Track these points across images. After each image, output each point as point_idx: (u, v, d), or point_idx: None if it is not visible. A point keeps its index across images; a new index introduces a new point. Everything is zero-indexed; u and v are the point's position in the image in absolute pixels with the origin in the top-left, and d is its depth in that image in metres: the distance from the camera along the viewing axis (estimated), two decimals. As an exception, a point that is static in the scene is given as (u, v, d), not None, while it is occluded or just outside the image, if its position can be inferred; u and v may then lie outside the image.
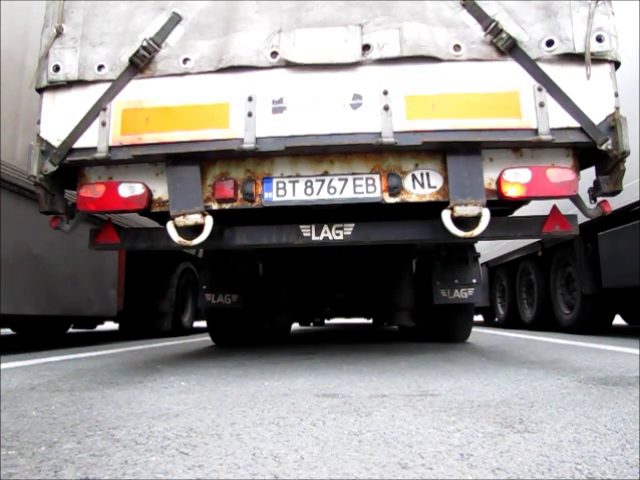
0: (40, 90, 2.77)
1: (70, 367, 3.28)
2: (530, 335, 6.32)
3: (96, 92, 2.70)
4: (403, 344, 4.99)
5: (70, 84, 2.72)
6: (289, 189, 2.65)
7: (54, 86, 2.73)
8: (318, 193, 2.64)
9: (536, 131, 2.49)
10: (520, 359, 3.47)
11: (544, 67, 2.54)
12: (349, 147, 2.59)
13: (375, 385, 2.34)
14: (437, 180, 2.63)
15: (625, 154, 2.47)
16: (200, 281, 4.74)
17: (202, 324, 6.44)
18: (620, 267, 5.09)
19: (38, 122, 2.75)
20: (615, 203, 3.20)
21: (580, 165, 2.66)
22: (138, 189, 2.68)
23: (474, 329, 5.70)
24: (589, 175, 2.75)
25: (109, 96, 2.68)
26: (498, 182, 2.57)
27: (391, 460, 1.20)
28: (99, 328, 9.87)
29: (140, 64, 2.67)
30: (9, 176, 3.91)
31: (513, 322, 8.52)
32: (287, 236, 2.82)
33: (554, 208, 2.80)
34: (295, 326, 10.70)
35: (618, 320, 7.42)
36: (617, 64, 2.56)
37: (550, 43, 2.54)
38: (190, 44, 2.68)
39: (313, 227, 2.80)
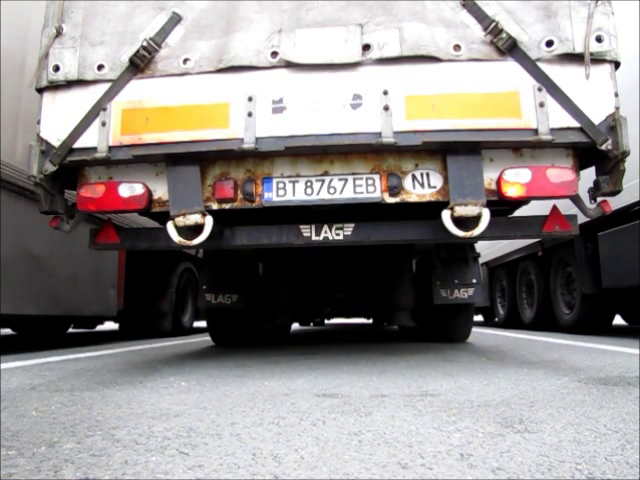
0: (40, 90, 2.77)
1: (70, 367, 3.28)
2: (530, 335, 6.32)
3: (96, 92, 2.69)
4: (403, 344, 4.99)
5: (70, 84, 2.72)
6: (289, 189, 2.65)
7: (54, 86, 2.73)
8: (318, 193, 2.64)
9: (536, 131, 2.49)
10: (520, 359, 3.47)
11: (544, 67, 2.54)
12: (349, 147, 2.59)
13: (375, 385, 2.34)
14: (437, 180, 2.63)
15: (625, 154, 2.47)
16: (200, 281, 4.74)
17: (202, 324, 6.44)
18: (620, 267, 5.09)
19: (38, 122, 2.75)
20: (615, 203, 3.20)
21: (580, 165, 2.66)
22: (138, 189, 2.68)
23: (474, 329, 5.70)
24: (589, 175, 2.75)
25: (109, 96, 2.68)
26: (498, 182, 2.57)
27: (391, 460, 1.20)
28: (99, 328, 9.87)
29: (140, 64, 2.67)
30: (9, 176, 3.91)
31: (513, 322, 8.52)
32: (287, 236, 2.82)
33: (554, 208, 2.80)
34: (295, 326, 10.70)
35: (618, 320, 7.42)
36: (617, 64, 2.56)
37: (550, 43, 2.54)
38: (190, 44, 2.68)
39: (313, 227, 2.80)
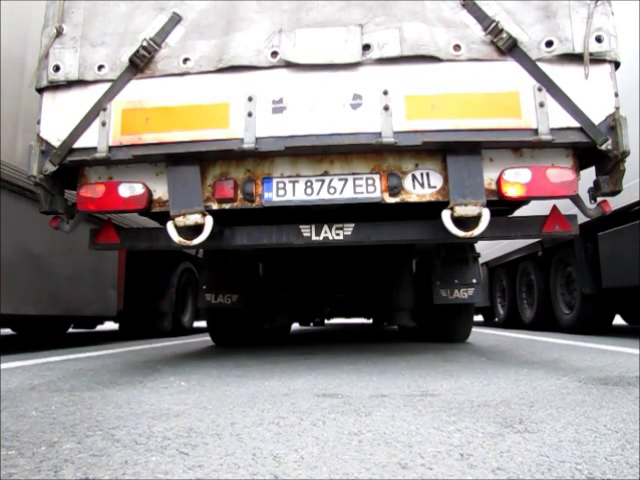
0: (40, 90, 2.77)
1: (70, 367, 3.28)
2: (530, 335, 6.32)
3: (96, 92, 2.69)
4: (403, 344, 4.99)
5: (70, 84, 2.72)
6: (289, 189, 2.65)
7: (54, 86, 2.73)
8: (318, 193, 2.64)
9: (536, 131, 2.49)
10: (520, 359, 3.47)
11: (544, 67, 2.54)
12: (349, 147, 2.59)
13: (375, 385, 2.34)
14: (437, 180, 2.63)
15: (625, 154, 2.47)
16: (200, 281, 4.74)
17: (202, 324, 6.44)
18: (620, 267, 5.09)
19: (38, 122, 2.75)
20: (615, 203, 3.20)
21: (580, 165, 2.66)
22: (138, 189, 2.68)
23: (474, 329, 5.70)
24: (589, 175, 2.75)
25: (109, 96, 2.68)
26: (498, 182, 2.57)
27: (391, 460, 1.20)
28: (99, 328, 9.87)
29: (140, 64, 2.67)
30: (9, 176, 3.91)
31: (513, 322, 8.52)
32: (287, 236, 2.82)
33: (554, 208, 2.80)
34: (295, 326, 10.70)
35: (618, 320, 7.42)
36: (617, 64, 2.56)
37: (550, 44, 2.54)
38: (190, 44, 2.68)
39: (313, 227, 2.80)
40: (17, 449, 1.32)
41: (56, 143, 2.69)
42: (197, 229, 2.61)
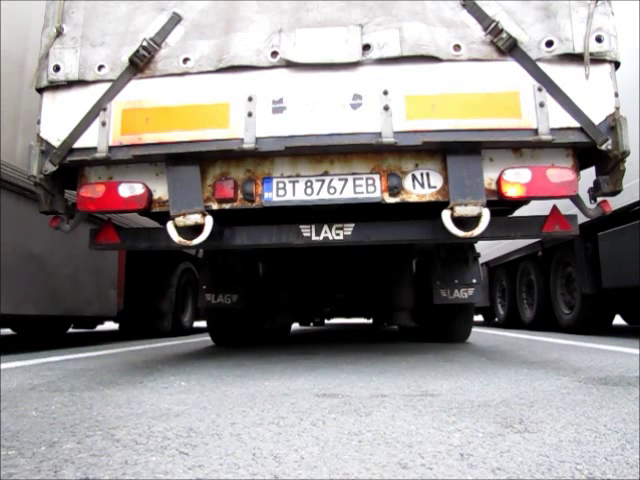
0: (40, 90, 2.77)
1: (70, 367, 3.28)
2: (530, 335, 6.32)
3: (96, 92, 2.70)
4: (403, 344, 4.99)
5: (70, 84, 2.72)
6: (289, 189, 2.65)
7: (54, 86, 2.73)
8: (318, 193, 2.64)
9: (536, 131, 2.49)
10: (520, 359, 3.47)
11: (544, 67, 2.54)
12: (349, 147, 2.59)
13: (375, 385, 2.34)
14: (437, 180, 2.63)
15: (625, 154, 2.47)
16: (200, 281, 4.74)
17: (202, 324, 6.44)
18: (620, 267, 5.09)
19: (38, 122, 2.75)
20: (615, 203, 3.20)
21: (580, 165, 2.66)
22: (138, 189, 2.68)
23: (474, 329, 5.70)
24: (589, 175, 2.75)
25: (109, 96, 2.68)
26: (498, 182, 2.57)
27: (391, 460, 1.20)
28: (99, 328, 9.87)
29: (140, 64, 2.67)
30: (9, 176, 3.91)
31: (513, 322, 8.52)
32: (287, 236, 2.82)
33: (554, 208, 2.80)
34: (295, 326, 10.70)
35: (618, 320, 7.42)
36: (617, 64, 2.56)
37: (550, 43, 2.54)
38: (190, 44, 2.68)
39: (313, 227, 2.80)
40: (17, 449, 1.32)
41: (56, 143, 2.69)
42: (197, 229, 2.61)
